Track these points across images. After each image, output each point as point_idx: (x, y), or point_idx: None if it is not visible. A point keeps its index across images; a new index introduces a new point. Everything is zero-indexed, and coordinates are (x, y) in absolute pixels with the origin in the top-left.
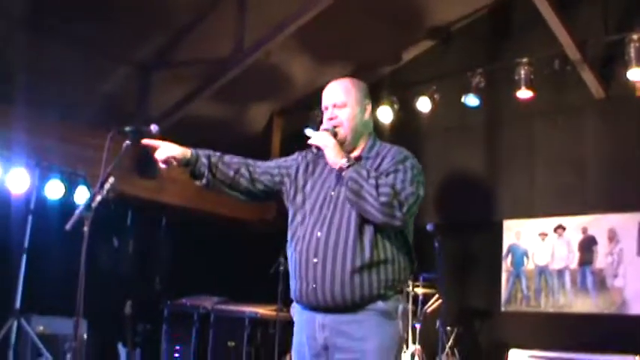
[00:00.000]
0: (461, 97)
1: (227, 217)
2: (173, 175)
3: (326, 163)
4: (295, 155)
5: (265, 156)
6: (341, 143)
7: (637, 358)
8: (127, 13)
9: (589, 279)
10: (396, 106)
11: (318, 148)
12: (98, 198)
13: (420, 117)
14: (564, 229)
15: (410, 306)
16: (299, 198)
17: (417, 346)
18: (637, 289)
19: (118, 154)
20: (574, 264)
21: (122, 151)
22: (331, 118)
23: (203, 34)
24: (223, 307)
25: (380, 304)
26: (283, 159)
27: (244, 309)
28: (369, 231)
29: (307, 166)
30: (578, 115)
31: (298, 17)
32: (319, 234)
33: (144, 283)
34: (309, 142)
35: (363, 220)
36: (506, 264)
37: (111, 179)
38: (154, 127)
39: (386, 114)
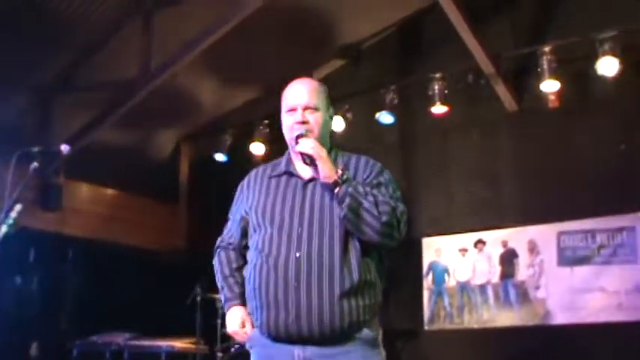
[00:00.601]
0: (374, 115)
1: (136, 248)
2: (76, 206)
3: (281, 175)
4: (238, 191)
5: (173, 183)
6: None
7: None
8: (25, 35)
9: (511, 292)
10: None
11: (310, 158)
12: (3, 229)
13: (334, 137)
14: (484, 243)
15: None
16: (258, 216)
17: None
18: (559, 300)
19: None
20: (496, 278)
21: (28, 175)
22: (302, 122)
23: (107, 57)
24: (137, 342)
25: (366, 331)
26: (235, 207)
27: (160, 343)
28: (354, 250)
29: (255, 183)
30: (493, 128)
31: (205, 37)
32: (298, 254)
33: (50, 322)
34: (297, 148)
35: (346, 238)
36: (427, 282)
37: (18, 207)
38: (64, 148)
39: None
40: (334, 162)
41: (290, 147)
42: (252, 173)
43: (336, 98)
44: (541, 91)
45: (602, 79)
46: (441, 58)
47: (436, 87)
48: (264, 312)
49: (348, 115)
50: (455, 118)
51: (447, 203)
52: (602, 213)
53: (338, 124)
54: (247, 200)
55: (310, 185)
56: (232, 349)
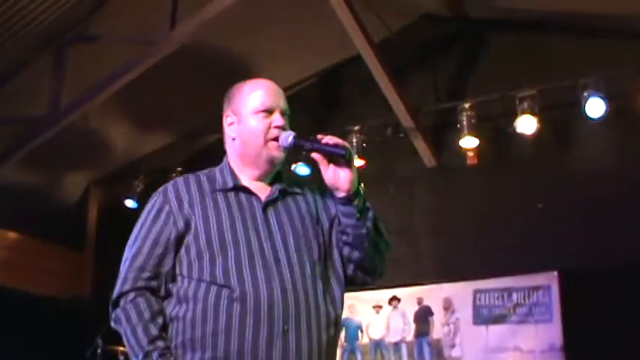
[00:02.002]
0: (291, 166)
1: (35, 295)
2: None
3: (227, 190)
4: (160, 204)
5: (80, 229)
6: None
7: None
8: None
9: (426, 350)
10: None
11: (345, 150)
12: None
13: None
14: (399, 300)
15: None
16: (209, 239)
17: None
18: (474, 359)
19: None
20: (410, 336)
21: None
22: (283, 127)
23: (15, 92)
24: None
25: None
26: (158, 228)
27: None
28: (336, 285)
29: (191, 196)
30: (411, 183)
31: (119, 78)
32: (282, 290)
33: None
34: (342, 142)
35: (324, 270)
36: (340, 339)
37: None
38: None
39: None
40: (286, 179)
41: (241, 158)
42: (180, 184)
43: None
44: (460, 147)
45: (521, 137)
46: (360, 111)
47: (354, 140)
48: None
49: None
50: (372, 172)
51: None
52: (518, 271)
53: None
54: (183, 218)
55: (271, 206)
56: None
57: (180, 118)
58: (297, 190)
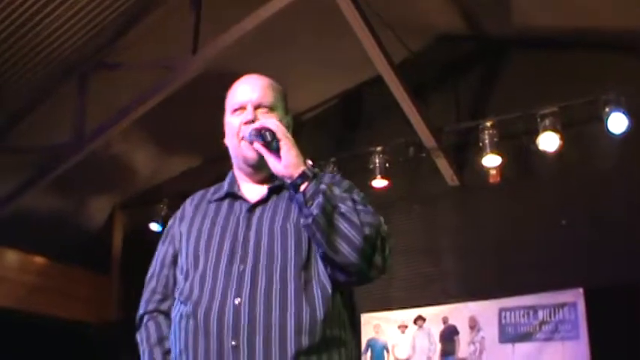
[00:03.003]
0: None
1: (64, 320)
2: (1, 274)
3: (222, 199)
4: (169, 225)
5: (106, 253)
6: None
7: None
8: None
9: None
10: None
11: (273, 137)
12: None
13: None
14: (424, 319)
15: None
16: (189, 253)
17: None
18: None
19: None
20: (436, 355)
21: None
22: (252, 121)
23: (39, 120)
24: None
25: None
26: (162, 249)
27: None
28: (319, 291)
29: (190, 212)
30: (434, 202)
31: (142, 103)
32: (237, 300)
33: None
34: (254, 126)
35: (307, 273)
36: (366, 359)
37: None
38: None
39: None
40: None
41: (235, 162)
42: (188, 201)
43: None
44: (482, 165)
45: (543, 154)
46: (382, 131)
47: (377, 160)
48: None
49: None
50: (396, 192)
51: (387, 278)
52: (543, 289)
53: None
54: (178, 236)
55: (259, 209)
56: None
57: (204, 142)
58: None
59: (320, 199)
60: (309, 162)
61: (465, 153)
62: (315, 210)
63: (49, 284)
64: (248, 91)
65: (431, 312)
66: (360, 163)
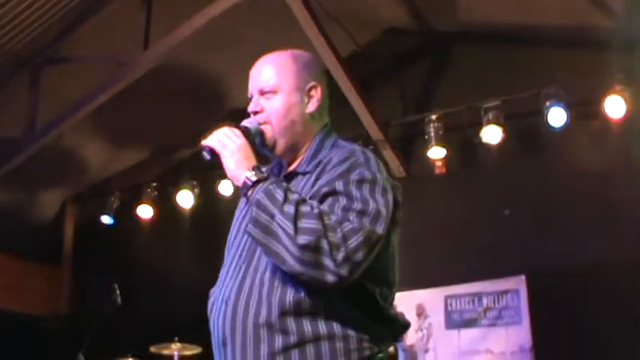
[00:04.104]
0: None
1: (15, 313)
2: None
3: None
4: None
5: (57, 246)
6: (270, 149)
7: None
8: None
9: (401, 356)
10: (197, 190)
11: (213, 153)
12: None
13: (222, 201)
14: None
15: None
16: (228, 242)
17: None
18: None
19: None
20: None
21: None
22: (255, 112)
23: None
24: None
25: None
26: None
27: None
28: (293, 289)
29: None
30: None
31: (94, 97)
32: (228, 301)
33: None
34: (202, 142)
35: (283, 276)
36: None
37: None
38: None
39: (186, 198)
40: (312, 157)
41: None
42: None
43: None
44: (428, 157)
45: (487, 146)
46: (330, 123)
47: None
48: None
49: None
50: None
51: None
52: (487, 276)
53: (225, 188)
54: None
55: None
56: None
57: (154, 135)
58: (309, 169)
59: (253, 210)
60: (257, 168)
61: (411, 145)
62: (250, 224)
63: (0, 278)
64: (253, 78)
65: None
66: None
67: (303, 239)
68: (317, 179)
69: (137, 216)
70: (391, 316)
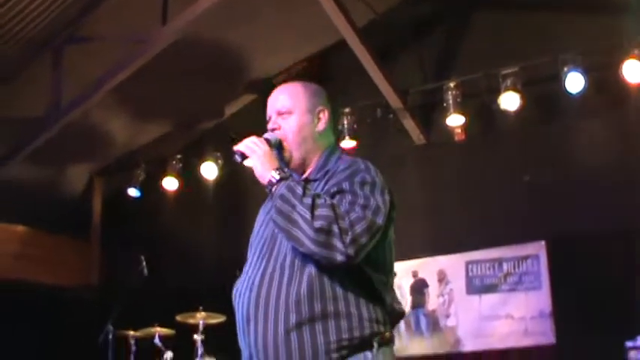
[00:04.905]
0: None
1: (47, 286)
2: None
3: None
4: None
5: (86, 220)
6: (287, 161)
7: None
8: None
9: (422, 321)
10: (220, 162)
11: (244, 156)
12: None
13: (246, 172)
14: (395, 274)
15: None
16: (251, 240)
17: None
18: (468, 327)
19: None
20: (407, 307)
21: None
22: (273, 129)
23: (15, 93)
24: None
25: None
26: None
27: None
28: (307, 274)
29: (265, 203)
30: (401, 161)
31: (116, 74)
32: (252, 286)
33: None
34: (234, 147)
35: (301, 261)
36: None
37: None
38: None
39: (210, 170)
40: (321, 167)
41: None
42: None
43: (247, 132)
44: (447, 125)
45: (506, 112)
46: (350, 93)
47: (345, 121)
48: (242, 350)
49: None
50: (364, 153)
51: None
52: (508, 242)
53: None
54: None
55: None
56: None
57: (177, 108)
58: (319, 177)
59: (278, 202)
60: (279, 170)
61: (430, 113)
62: (275, 214)
63: (31, 252)
64: (270, 103)
65: (401, 267)
66: None
67: (318, 224)
68: (326, 184)
69: (162, 188)
70: (387, 301)
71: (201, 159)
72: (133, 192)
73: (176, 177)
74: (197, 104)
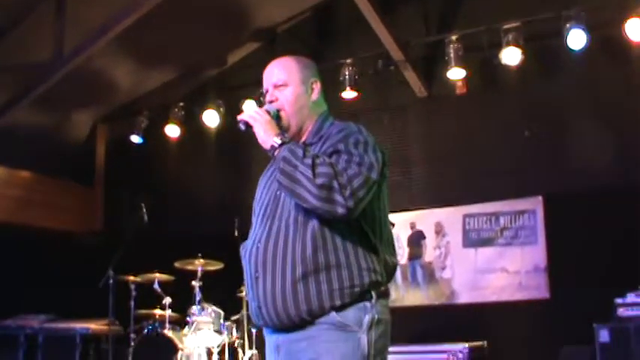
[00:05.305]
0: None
1: (51, 230)
2: None
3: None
4: None
5: (90, 165)
6: (285, 129)
7: (467, 345)
8: None
9: (419, 272)
10: (222, 110)
11: (248, 125)
12: None
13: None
14: (393, 225)
15: (244, 311)
16: (253, 206)
17: (255, 351)
18: (464, 280)
19: None
20: (404, 259)
21: None
22: (271, 101)
23: (19, 40)
24: (52, 325)
25: (333, 315)
26: None
27: (75, 325)
28: (310, 229)
29: (264, 173)
30: (403, 113)
31: (119, 21)
32: (259, 244)
33: None
34: (238, 117)
35: (304, 217)
36: None
37: None
38: None
39: (212, 118)
40: (316, 133)
41: None
42: None
43: (249, 82)
44: (448, 78)
45: (507, 67)
46: (352, 44)
47: (346, 72)
48: (249, 304)
49: (262, 99)
50: (365, 103)
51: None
52: (505, 196)
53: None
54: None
55: None
56: (145, 331)
57: (181, 55)
58: (314, 141)
59: (281, 164)
60: (279, 136)
61: (432, 65)
62: (278, 173)
63: (36, 197)
64: (266, 77)
65: (399, 218)
66: (330, 75)
67: (319, 180)
68: (322, 147)
69: (165, 135)
70: (381, 253)
71: (204, 107)
72: (135, 138)
73: (178, 124)
74: (200, 52)
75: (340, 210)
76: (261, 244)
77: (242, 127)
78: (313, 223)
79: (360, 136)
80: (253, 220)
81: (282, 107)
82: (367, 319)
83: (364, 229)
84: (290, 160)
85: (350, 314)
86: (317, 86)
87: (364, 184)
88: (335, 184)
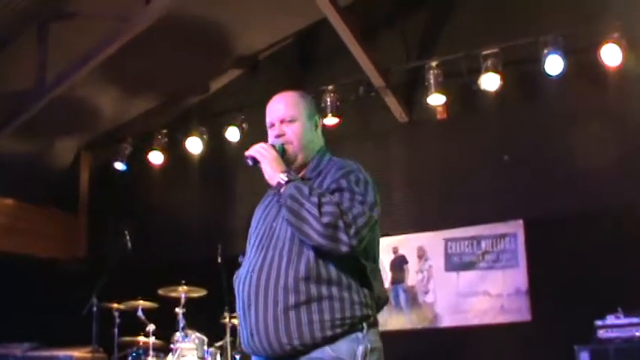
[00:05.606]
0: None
1: (36, 257)
2: None
3: (276, 193)
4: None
5: (73, 192)
6: (290, 163)
7: None
8: None
9: (402, 296)
10: (205, 137)
11: (255, 161)
12: None
13: (230, 147)
14: None
15: (228, 338)
16: (249, 236)
17: None
18: (446, 303)
19: None
20: (387, 283)
21: None
22: (278, 135)
23: (1, 68)
24: (35, 353)
25: (326, 350)
26: None
27: (58, 353)
28: (304, 260)
29: (260, 204)
30: (384, 138)
31: (102, 49)
32: (253, 273)
33: None
34: (246, 152)
35: (299, 248)
36: None
37: None
38: None
39: (195, 145)
40: (314, 168)
41: None
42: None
43: (232, 108)
44: (428, 103)
45: (486, 93)
46: (334, 70)
47: (328, 99)
48: (241, 333)
49: (244, 126)
50: (347, 129)
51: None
52: (486, 220)
53: (232, 135)
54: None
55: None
56: (129, 358)
57: (164, 82)
58: (313, 176)
59: (288, 202)
60: (286, 173)
61: (413, 91)
62: (285, 210)
63: (19, 224)
64: (273, 111)
65: (382, 243)
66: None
67: (325, 219)
68: (321, 182)
69: (148, 162)
70: (375, 288)
71: (187, 134)
72: (119, 165)
73: (162, 151)
74: (183, 79)
75: (344, 248)
76: (254, 273)
77: (249, 162)
78: (308, 255)
79: (361, 174)
80: (248, 249)
81: (291, 142)
82: (361, 350)
83: (361, 264)
84: (297, 198)
85: (343, 347)
86: (320, 122)
87: (367, 223)
88: (340, 223)
